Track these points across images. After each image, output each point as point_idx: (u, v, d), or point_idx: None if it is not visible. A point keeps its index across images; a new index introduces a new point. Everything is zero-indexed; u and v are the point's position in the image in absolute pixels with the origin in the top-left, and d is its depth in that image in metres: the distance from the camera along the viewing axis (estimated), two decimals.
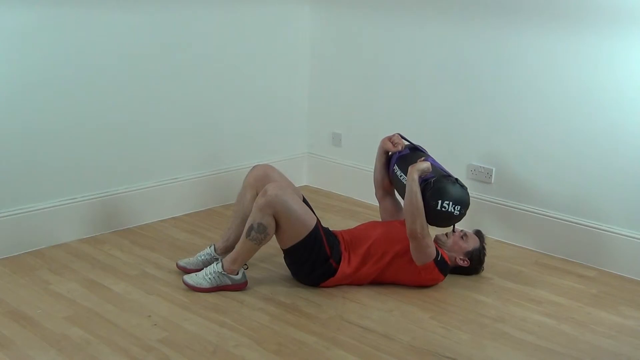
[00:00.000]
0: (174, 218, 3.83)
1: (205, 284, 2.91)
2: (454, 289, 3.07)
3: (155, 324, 2.65)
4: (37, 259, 3.20)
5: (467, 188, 2.98)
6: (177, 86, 3.74)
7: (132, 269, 3.14)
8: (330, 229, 3.09)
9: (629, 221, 3.26)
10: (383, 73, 4.07)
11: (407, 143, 3.23)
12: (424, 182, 2.91)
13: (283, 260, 3.14)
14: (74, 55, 3.28)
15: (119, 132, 3.53)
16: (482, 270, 3.20)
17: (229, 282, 2.92)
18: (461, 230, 3.15)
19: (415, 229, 2.84)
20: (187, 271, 3.05)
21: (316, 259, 2.92)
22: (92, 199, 3.48)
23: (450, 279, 3.12)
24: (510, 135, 3.59)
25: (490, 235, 3.71)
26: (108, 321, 2.66)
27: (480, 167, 3.73)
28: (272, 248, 3.22)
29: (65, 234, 3.40)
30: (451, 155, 3.77)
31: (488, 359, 2.51)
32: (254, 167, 3.18)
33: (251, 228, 2.85)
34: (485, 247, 3.18)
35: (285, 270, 3.14)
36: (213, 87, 3.92)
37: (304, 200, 3.06)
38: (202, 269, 3.00)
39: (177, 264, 3.10)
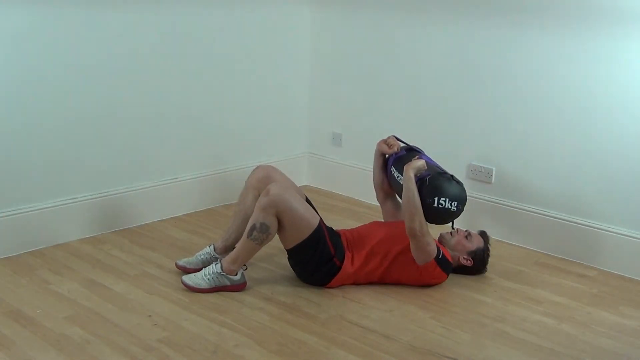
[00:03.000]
0: (174, 218, 3.83)
1: (203, 285, 2.90)
2: (455, 289, 3.07)
3: (155, 324, 2.65)
4: (37, 259, 3.20)
5: (462, 184, 2.99)
6: (177, 86, 3.74)
7: (133, 269, 3.14)
8: (334, 228, 3.10)
9: (629, 221, 3.26)
10: (383, 73, 4.07)
11: (402, 144, 3.24)
12: (420, 180, 2.91)
13: (283, 260, 3.14)
14: (74, 54, 3.28)
15: (119, 132, 3.53)
16: (486, 271, 3.21)
17: (228, 283, 2.92)
18: (466, 230, 3.15)
19: (414, 227, 2.85)
20: (186, 270, 3.05)
21: (320, 258, 2.92)
22: (92, 199, 3.48)
23: (450, 278, 3.12)
24: (510, 135, 3.59)
25: (491, 235, 3.71)
26: (108, 321, 2.66)
27: (480, 167, 3.73)
28: (272, 248, 3.22)
29: (65, 234, 3.40)
30: (451, 155, 3.77)
31: (488, 359, 2.52)
32: (256, 167, 3.18)
33: (253, 228, 2.85)
34: (490, 248, 3.19)
35: (285, 270, 3.15)
36: (213, 87, 3.92)
37: (307, 201, 3.06)
38: (202, 268, 3.00)
39: (176, 264, 3.10)
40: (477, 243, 3.13)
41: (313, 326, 2.69)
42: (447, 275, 3.05)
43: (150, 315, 2.72)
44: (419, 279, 3.00)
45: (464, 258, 3.10)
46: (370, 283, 3.03)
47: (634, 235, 3.25)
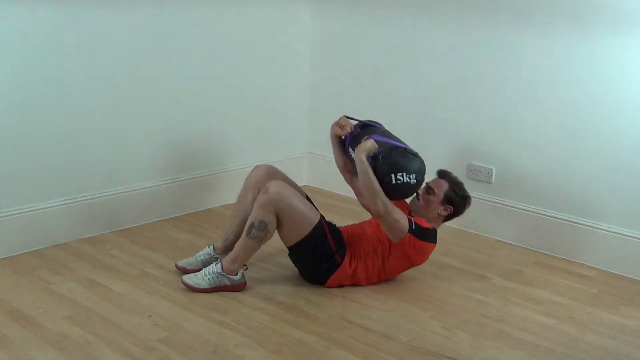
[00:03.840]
0: (174, 218, 3.83)
1: (204, 284, 2.90)
2: (455, 288, 3.07)
3: (155, 324, 2.65)
4: (38, 259, 3.20)
5: (418, 154, 2.89)
6: (177, 86, 3.74)
7: (132, 269, 3.14)
8: (337, 225, 3.08)
9: (629, 221, 3.26)
10: (383, 73, 4.07)
11: (355, 122, 3.15)
12: (374, 159, 2.84)
13: (283, 260, 3.14)
14: (74, 55, 3.28)
15: (119, 132, 3.53)
16: (470, 199, 3.09)
17: (228, 283, 2.92)
18: (424, 186, 3.05)
19: (378, 209, 2.81)
20: (186, 272, 3.05)
21: (320, 255, 2.92)
22: (92, 199, 3.48)
23: (450, 277, 3.13)
24: (510, 135, 3.59)
25: (491, 235, 3.72)
26: (108, 321, 2.66)
27: (480, 167, 3.73)
28: (272, 248, 3.22)
29: (65, 234, 3.40)
30: (451, 155, 3.77)
31: (488, 359, 2.52)
32: (255, 167, 3.17)
33: (252, 226, 2.84)
34: (456, 180, 3.08)
35: (285, 270, 3.15)
36: (213, 87, 3.92)
37: (308, 199, 3.06)
38: (202, 269, 3.00)
39: (176, 265, 3.10)
40: (442, 189, 3.04)
41: (313, 326, 2.69)
42: (434, 243, 2.99)
43: (150, 315, 2.72)
44: (409, 260, 2.96)
45: (442, 210, 3.04)
46: (370, 284, 3.03)
47: (634, 235, 3.25)
